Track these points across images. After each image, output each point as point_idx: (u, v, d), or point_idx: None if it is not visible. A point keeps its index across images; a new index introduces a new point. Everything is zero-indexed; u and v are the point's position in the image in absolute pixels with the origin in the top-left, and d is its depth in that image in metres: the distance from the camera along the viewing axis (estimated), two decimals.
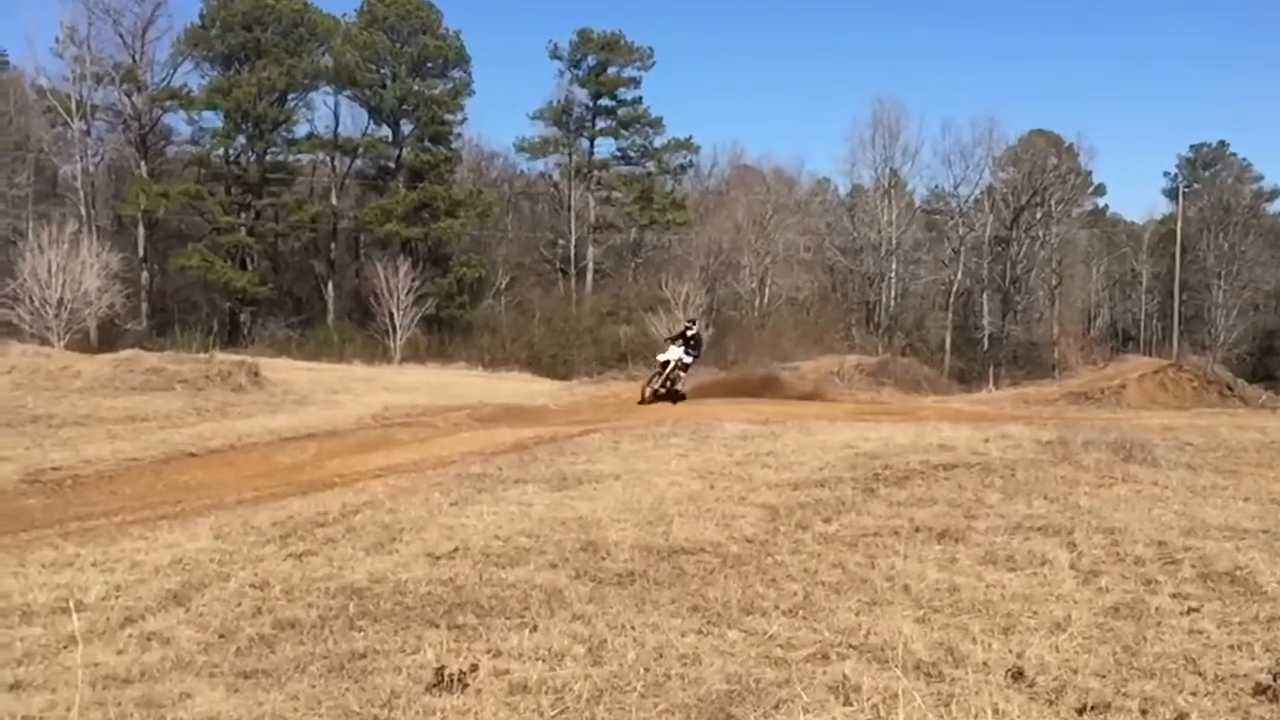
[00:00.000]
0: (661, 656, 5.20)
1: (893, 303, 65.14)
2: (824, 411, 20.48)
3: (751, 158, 73.64)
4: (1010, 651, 5.27)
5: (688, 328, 24.51)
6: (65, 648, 5.24)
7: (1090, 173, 71.96)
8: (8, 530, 8.97)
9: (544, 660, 5.13)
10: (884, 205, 64.88)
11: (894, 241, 64.49)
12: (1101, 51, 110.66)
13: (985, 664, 5.09)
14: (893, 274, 64.92)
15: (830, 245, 66.91)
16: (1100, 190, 79.90)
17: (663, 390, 23.09)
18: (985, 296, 66.13)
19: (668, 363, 23.19)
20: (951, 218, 67.94)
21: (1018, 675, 4.92)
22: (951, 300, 65.46)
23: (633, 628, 5.64)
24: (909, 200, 68.59)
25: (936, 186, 70.22)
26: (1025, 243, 66.36)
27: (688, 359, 23.36)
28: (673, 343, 23.75)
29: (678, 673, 4.97)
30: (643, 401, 22.70)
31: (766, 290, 62.59)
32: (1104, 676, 4.93)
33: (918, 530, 8.01)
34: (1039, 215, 66.56)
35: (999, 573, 6.80)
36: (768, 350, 46.17)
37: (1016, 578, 6.67)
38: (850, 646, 5.40)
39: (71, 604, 5.82)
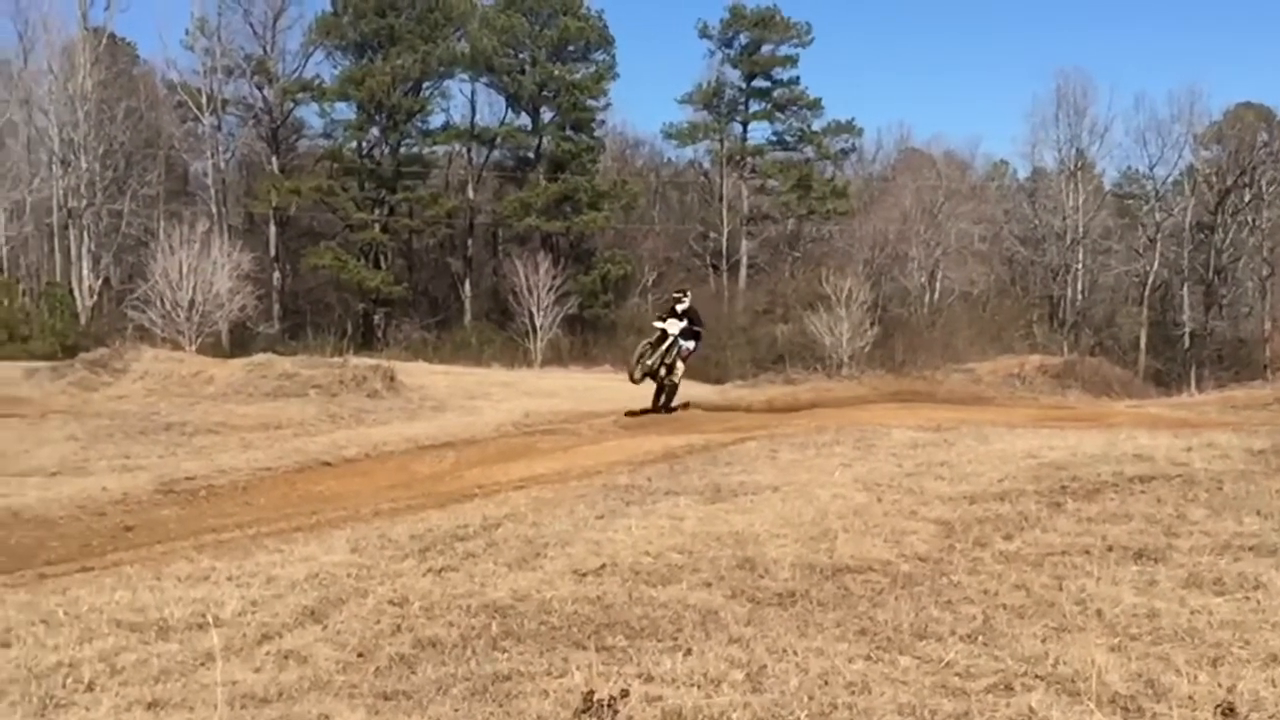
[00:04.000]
0: (827, 684, 5.16)
1: (1080, 297, 63.29)
2: (1002, 417, 20.05)
3: (920, 140, 72.49)
4: (1219, 685, 5.08)
5: (677, 299, 20.90)
6: (202, 664, 5.43)
7: None
8: (144, 542, 9.38)
9: (699, 686, 5.13)
10: (1069, 189, 63.06)
11: (1081, 229, 62.64)
12: None
13: (1191, 698, 4.92)
14: (1079, 265, 63.00)
15: (1009, 234, 65.40)
16: None
17: (659, 378, 20.08)
18: (1185, 289, 63.75)
19: (666, 334, 19.89)
20: (1146, 202, 65.70)
21: (1228, 712, 4.75)
22: (1147, 294, 63.36)
23: (795, 652, 5.60)
24: (1098, 184, 66.53)
25: (1129, 168, 68.04)
26: (1231, 229, 63.75)
27: (688, 344, 20.16)
28: (665, 320, 20.36)
29: (845, 702, 4.93)
30: (635, 381, 20.06)
31: (937, 284, 61.64)
32: None
33: (1111, 549, 7.78)
34: (1247, 198, 63.87)
35: (1205, 597, 6.57)
36: (939, 350, 45.52)
37: (1225, 603, 6.44)
38: (1036, 676, 5.27)
39: (210, 619, 6.04)
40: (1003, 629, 6.02)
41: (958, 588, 6.93)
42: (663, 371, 20.08)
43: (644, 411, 20.02)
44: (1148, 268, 63.26)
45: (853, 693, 5.04)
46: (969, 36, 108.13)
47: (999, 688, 5.14)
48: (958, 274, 62.12)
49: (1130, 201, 67.65)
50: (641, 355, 19.97)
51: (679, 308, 20.38)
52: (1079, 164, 63.93)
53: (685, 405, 21.49)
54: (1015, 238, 65.30)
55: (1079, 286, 63.28)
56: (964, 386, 31.54)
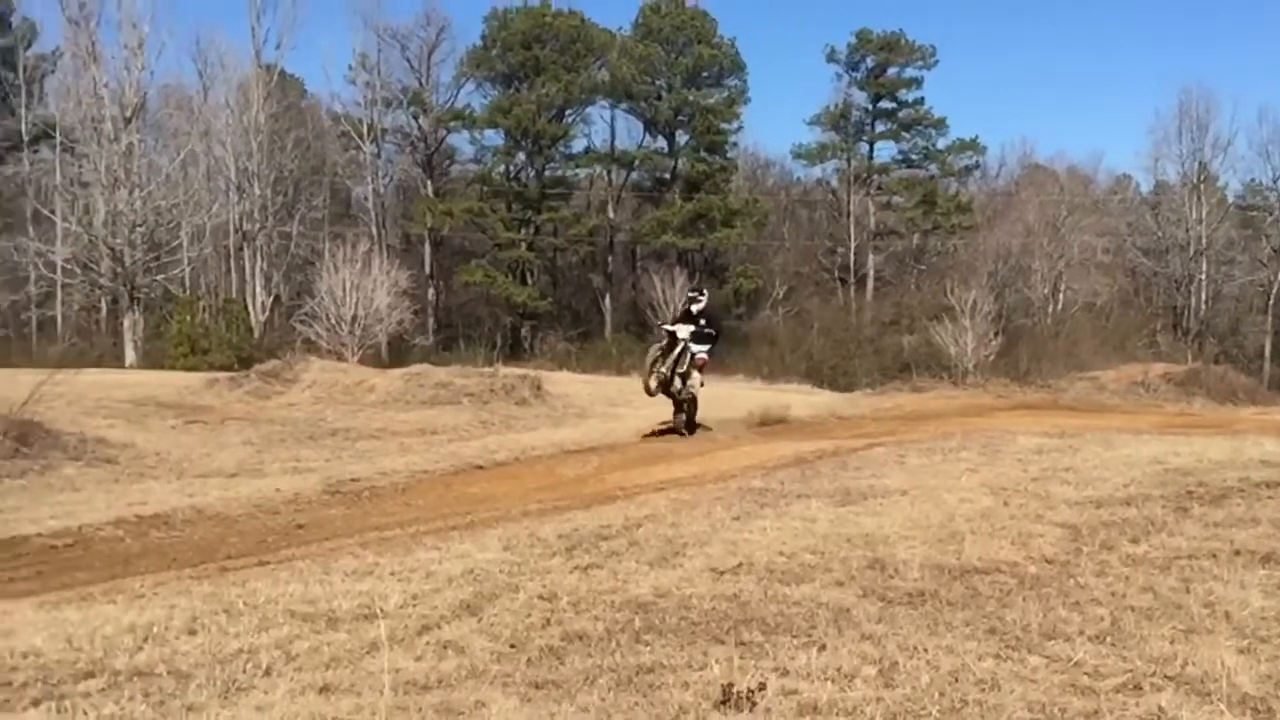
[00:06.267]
0: (957, 681, 5.08)
1: (1203, 307, 61.35)
2: (1127, 424, 19.53)
3: (1042, 156, 71.31)
4: None
5: (692, 299, 18.51)
6: (368, 653, 5.55)
7: None
8: (313, 539, 9.61)
9: (833, 681, 5.10)
10: (1192, 202, 61.20)
11: (1204, 240, 60.76)
12: None
13: None
14: (1203, 275, 61.11)
15: (1132, 246, 63.60)
16: None
17: (671, 388, 17.43)
18: None
19: (676, 339, 17.35)
20: (1270, 214, 63.59)
21: None
22: (1271, 303, 61.13)
23: (925, 650, 5.53)
24: (1220, 196, 64.52)
25: (1253, 180, 65.86)
26: None
27: (701, 349, 17.57)
28: (678, 324, 17.93)
29: (975, 698, 4.85)
30: (651, 392, 17.51)
31: (1061, 295, 60.26)
32: None
33: (1238, 553, 7.52)
34: None
35: None
36: (1062, 359, 44.33)
37: None
38: (1165, 677, 5.12)
39: (378, 610, 6.18)
40: (1131, 630, 5.87)
41: (1085, 589, 6.77)
42: (676, 384, 17.42)
43: (662, 432, 17.86)
44: (1272, 278, 61.06)
45: (983, 690, 4.95)
46: (1091, 55, 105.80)
47: (1128, 688, 5.01)
48: (1081, 285, 60.66)
49: (1254, 213, 65.41)
50: (654, 362, 17.41)
51: (694, 308, 18.15)
52: (1202, 177, 61.98)
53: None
54: (1138, 249, 63.53)
55: (1202, 296, 61.39)
56: (1088, 394, 30.74)
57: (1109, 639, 5.73)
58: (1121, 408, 26.85)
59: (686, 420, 17.78)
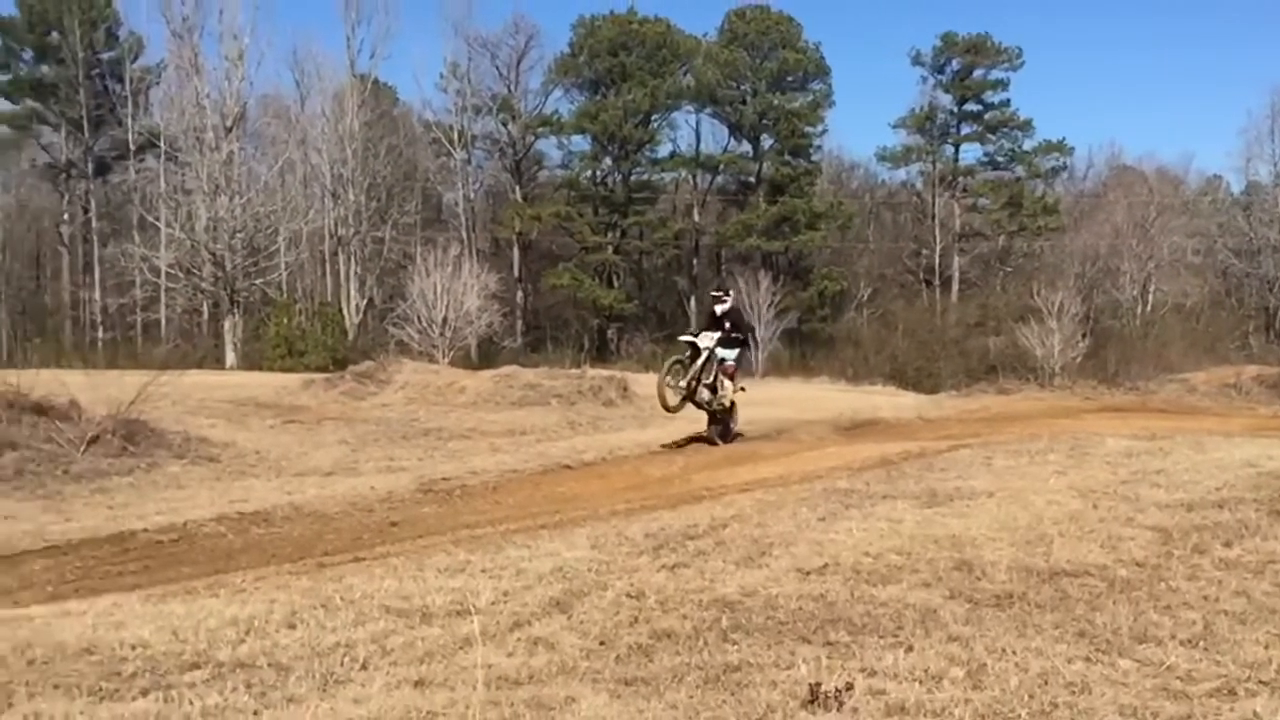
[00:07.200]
0: (1046, 683, 5.00)
1: None
2: (1219, 426, 19.09)
3: (1131, 157, 69.79)
4: None
5: (716, 299, 17.12)
6: (461, 648, 5.60)
7: None
8: (407, 536, 9.73)
9: (920, 682, 5.05)
10: None
11: None
12: None
13: None
14: None
15: (1223, 247, 62.11)
16: None
17: (697, 399, 16.22)
18: None
19: (699, 349, 16.07)
20: None
21: None
22: None
23: (1013, 652, 5.45)
24: None
25: None
26: None
27: (728, 354, 16.41)
28: (705, 331, 16.55)
29: (1065, 701, 4.77)
30: (669, 409, 16.03)
31: (1149, 297, 59.08)
32: None
33: None
34: None
35: None
36: (1151, 361, 43.45)
37: None
38: (1260, 682, 5.01)
39: (470, 606, 6.23)
40: (1224, 634, 5.74)
41: (1176, 593, 6.63)
42: (704, 395, 16.22)
43: (690, 441, 16.63)
44: None
45: (1073, 693, 4.88)
46: (1181, 54, 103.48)
47: (1221, 692, 4.90)
48: (1171, 286, 59.45)
49: None
50: (671, 375, 15.99)
51: (718, 309, 16.81)
52: None
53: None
54: (1230, 250, 62.02)
55: None
56: (1178, 396, 30.10)
57: (1201, 643, 5.61)
58: (1213, 410, 26.23)
59: (721, 430, 16.64)
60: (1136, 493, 10.04)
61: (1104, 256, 58.99)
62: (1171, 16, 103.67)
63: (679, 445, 16.30)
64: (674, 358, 16.53)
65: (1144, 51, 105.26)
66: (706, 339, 16.21)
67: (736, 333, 16.61)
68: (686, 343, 16.50)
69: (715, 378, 16.24)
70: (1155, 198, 61.10)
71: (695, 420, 17.05)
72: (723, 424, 16.72)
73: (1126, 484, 10.61)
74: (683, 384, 15.94)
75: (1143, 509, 9.22)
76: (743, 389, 17.27)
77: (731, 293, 17.48)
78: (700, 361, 16.02)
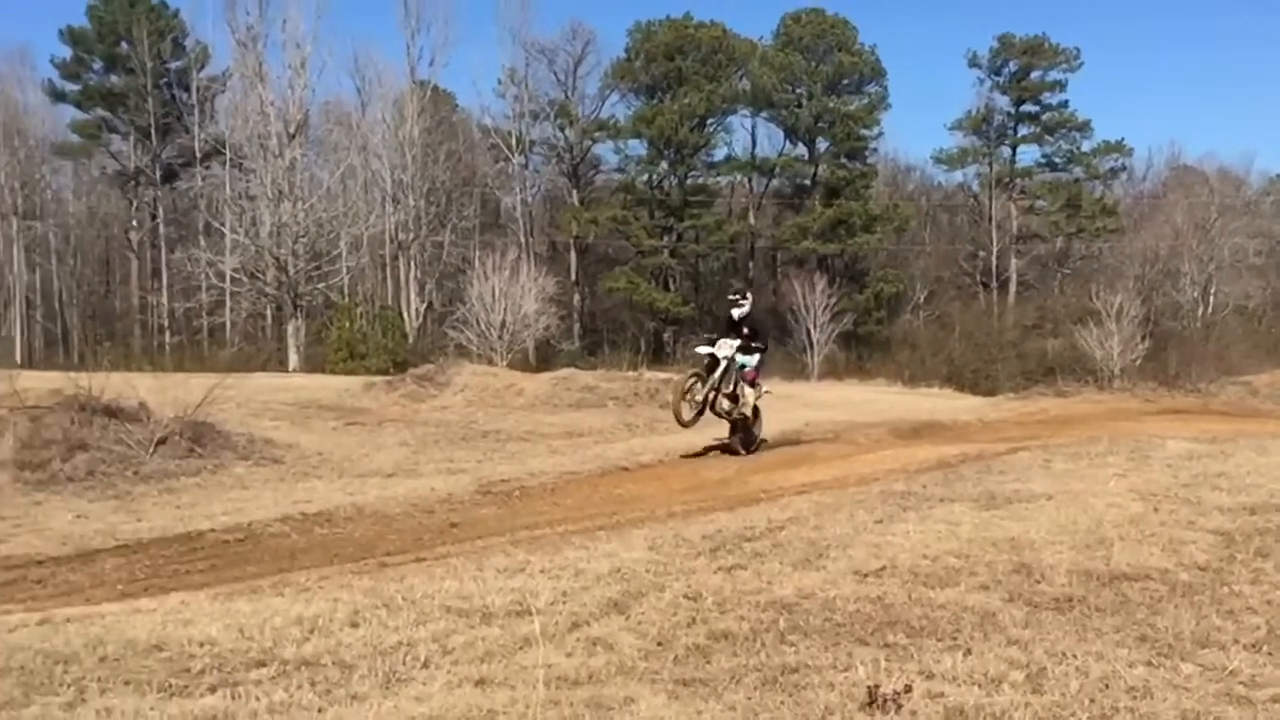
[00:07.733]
0: (1107, 688, 4.95)
1: None
2: None
3: (1191, 158, 68.69)
4: None
5: (734, 304, 16.29)
6: (521, 648, 5.64)
7: None
8: (467, 537, 9.80)
9: (979, 685, 5.01)
10: None
11: None
12: None
13: None
14: None
15: None
16: None
17: (717, 409, 15.65)
18: None
19: (716, 360, 15.44)
20: None
21: None
22: None
23: (1074, 656, 5.40)
24: None
25: None
26: None
27: (749, 360, 15.71)
28: (723, 338, 15.72)
29: (1126, 706, 4.72)
30: (684, 423, 15.42)
31: (1210, 299, 58.08)
32: None
33: None
34: None
35: None
36: (1212, 363, 42.76)
37: None
38: None
39: (530, 607, 6.27)
40: None
41: (1240, 597, 6.53)
42: (724, 405, 15.64)
43: (711, 449, 16.20)
44: None
45: (1134, 697, 4.82)
46: (1241, 53, 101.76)
47: None
48: (1232, 288, 58.42)
49: None
50: (689, 390, 15.43)
51: (736, 313, 16.02)
52: None
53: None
54: None
55: None
56: (1240, 399, 29.66)
57: (1265, 648, 5.53)
58: (1275, 413, 25.80)
59: (744, 439, 16.01)
60: (1198, 496, 9.90)
61: (1164, 258, 58.06)
62: (1232, 15, 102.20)
63: (698, 455, 15.86)
64: (691, 371, 16.11)
65: (1204, 50, 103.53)
66: (725, 348, 15.51)
67: (755, 341, 15.88)
68: (704, 354, 15.81)
69: (735, 385, 15.63)
70: (1216, 198, 60.06)
71: None
72: (745, 431, 16.08)
73: (1188, 487, 10.47)
74: (699, 397, 15.40)
75: (1204, 512, 9.09)
76: (768, 391, 16.82)
77: (749, 296, 16.78)
78: (719, 372, 15.43)
